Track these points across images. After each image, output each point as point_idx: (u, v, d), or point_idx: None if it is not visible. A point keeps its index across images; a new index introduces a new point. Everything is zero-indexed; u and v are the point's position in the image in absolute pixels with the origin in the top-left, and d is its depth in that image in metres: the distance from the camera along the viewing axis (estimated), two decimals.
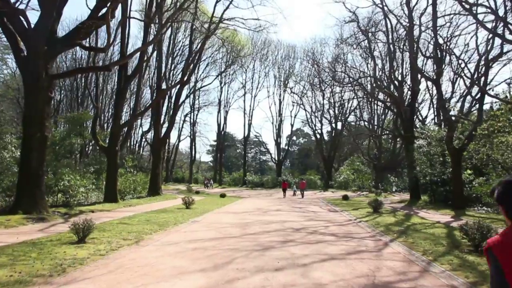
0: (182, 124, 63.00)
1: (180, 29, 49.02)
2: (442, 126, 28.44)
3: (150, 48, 21.06)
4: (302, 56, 54.96)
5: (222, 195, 29.55)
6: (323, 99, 52.25)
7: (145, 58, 20.92)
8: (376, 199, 18.19)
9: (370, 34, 29.50)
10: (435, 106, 35.53)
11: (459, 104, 26.94)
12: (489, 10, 13.79)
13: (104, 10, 14.74)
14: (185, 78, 24.75)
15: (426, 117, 41.33)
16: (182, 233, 10.84)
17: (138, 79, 23.53)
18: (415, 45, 21.32)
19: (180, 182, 61.42)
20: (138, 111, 24.76)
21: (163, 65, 27.74)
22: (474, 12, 15.06)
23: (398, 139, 46.97)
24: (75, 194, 18.22)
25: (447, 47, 20.01)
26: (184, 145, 78.12)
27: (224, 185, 55.78)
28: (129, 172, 28.47)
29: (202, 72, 57.15)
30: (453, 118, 19.05)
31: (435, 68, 20.89)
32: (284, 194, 32.57)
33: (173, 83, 31.26)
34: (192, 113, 61.63)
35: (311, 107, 54.46)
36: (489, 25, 16.41)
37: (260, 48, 58.17)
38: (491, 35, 18.13)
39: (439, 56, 19.19)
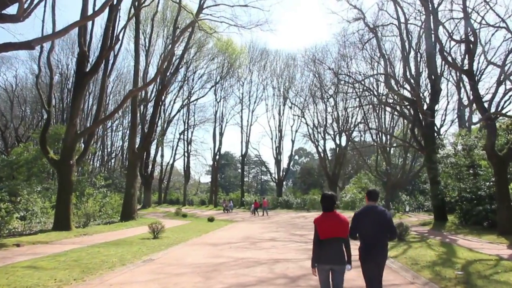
0: (177, 143, 58.98)
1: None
2: (462, 133, 24.30)
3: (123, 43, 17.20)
4: (302, 65, 50.87)
5: (210, 219, 25.14)
6: (326, 112, 48.17)
7: (110, 46, 16.71)
8: (401, 223, 13.90)
9: (378, 31, 25.74)
10: (456, 109, 31.49)
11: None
12: None
13: None
14: (166, 80, 20.80)
15: (441, 126, 37.11)
16: None
17: (102, 77, 19.37)
18: (439, 25, 17.25)
19: (175, 204, 56.88)
20: (101, 118, 20.58)
21: (142, 67, 23.81)
22: None
23: (408, 154, 42.71)
24: (7, 220, 13.95)
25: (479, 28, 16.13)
26: (181, 165, 73.60)
27: (220, 207, 51.20)
28: (100, 192, 24.20)
29: (196, 84, 53.71)
30: (496, 117, 14.84)
31: (464, 57, 16.98)
32: (255, 214, 33.79)
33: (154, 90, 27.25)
34: (187, 131, 57.68)
35: (313, 122, 50.31)
36: None
37: (258, 59, 54.52)
38: None
39: (472, 39, 15.20)
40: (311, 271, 4.60)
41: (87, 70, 17.02)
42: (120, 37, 18.68)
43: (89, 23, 19.60)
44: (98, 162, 60.00)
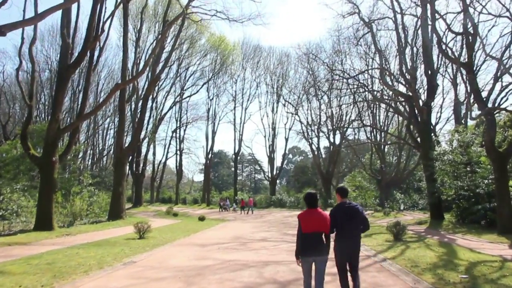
0: (170, 141, 58.09)
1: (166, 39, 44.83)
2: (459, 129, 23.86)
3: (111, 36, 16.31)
4: (296, 61, 50.09)
5: (201, 218, 24.46)
6: (320, 109, 47.51)
7: (96, 37, 15.84)
8: (397, 222, 13.30)
9: (373, 26, 25.21)
10: (452, 106, 31.06)
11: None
12: None
13: None
14: (156, 74, 20.05)
15: (436, 124, 36.70)
16: None
17: (87, 71, 18.48)
18: (437, 17, 16.68)
19: (167, 203, 56.00)
20: (85, 112, 19.73)
21: (132, 62, 23.01)
22: None
23: (403, 152, 42.31)
24: None
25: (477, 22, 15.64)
26: (174, 164, 72.18)
27: (212, 205, 50.52)
28: (88, 191, 23.42)
29: (188, 81, 52.87)
30: (495, 112, 14.32)
31: (461, 52, 16.44)
32: (241, 212, 35.90)
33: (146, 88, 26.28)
34: (179, 129, 56.81)
35: (307, 119, 49.62)
36: None
37: (251, 56, 53.75)
38: None
39: (471, 31, 14.67)
40: (302, 275, 4.92)
41: (71, 62, 16.24)
42: (106, 28, 17.89)
43: (73, 15, 18.80)
44: (89, 160, 59.02)
